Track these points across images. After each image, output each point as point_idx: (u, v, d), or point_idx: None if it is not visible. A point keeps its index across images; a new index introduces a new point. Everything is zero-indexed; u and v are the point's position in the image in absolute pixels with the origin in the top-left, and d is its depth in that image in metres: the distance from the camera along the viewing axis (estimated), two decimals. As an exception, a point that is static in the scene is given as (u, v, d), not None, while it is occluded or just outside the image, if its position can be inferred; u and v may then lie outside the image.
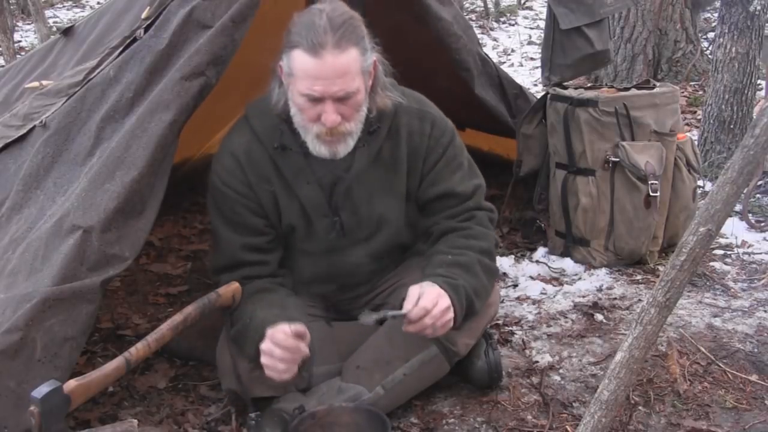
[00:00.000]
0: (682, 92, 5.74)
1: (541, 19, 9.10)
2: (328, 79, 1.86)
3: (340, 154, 2.00)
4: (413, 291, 1.93)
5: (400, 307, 1.93)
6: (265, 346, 1.89)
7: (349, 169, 2.06)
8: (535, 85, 6.13)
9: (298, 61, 1.88)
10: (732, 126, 4.15)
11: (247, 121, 2.10)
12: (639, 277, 3.01)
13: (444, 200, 2.14)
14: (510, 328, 2.64)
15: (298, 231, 2.13)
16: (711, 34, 6.16)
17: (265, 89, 2.06)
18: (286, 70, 1.94)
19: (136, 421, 1.73)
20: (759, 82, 4.35)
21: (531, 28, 9.07)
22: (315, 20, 1.87)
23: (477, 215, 2.15)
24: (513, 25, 9.42)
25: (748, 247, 3.25)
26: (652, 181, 2.93)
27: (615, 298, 2.83)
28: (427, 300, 1.91)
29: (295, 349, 1.88)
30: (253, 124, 2.08)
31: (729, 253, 3.20)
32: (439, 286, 1.95)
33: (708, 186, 3.76)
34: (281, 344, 1.88)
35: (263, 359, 1.90)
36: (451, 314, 1.94)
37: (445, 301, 1.93)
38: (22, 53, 7.02)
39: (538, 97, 3.32)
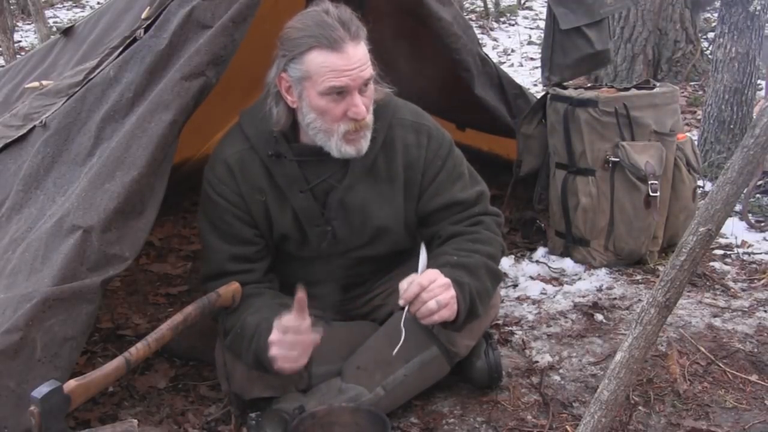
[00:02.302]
0: (682, 92, 5.74)
1: (541, 19, 9.10)
2: (354, 70, 1.87)
3: (364, 150, 1.99)
4: (409, 277, 1.92)
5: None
6: (275, 336, 1.88)
7: (342, 179, 2.05)
8: (535, 85, 6.12)
9: (317, 62, 1.87)
10: (732, 126, 4.15)
11: (241, 129, 2.08)
12: (639, 277, 3.01)
13: (448, 209, 2.13)
14: (510, 328, 2.64)
15: (292, 239, 2.12)
16: (711, 34, 6.15)
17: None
18: (296, 77, 1.91)
19: (136, 421, 1.74)
20: (759, 82, 4.35)
21: (531, 28, 9.07)
22: (324, 19, 1.88)
23: (485, 220, 2.14)
24: (513, 25, 9.42)
25: (748, 247, 3.25)
26: (652, 181, 2.93)
27: (615, 298, 2.83)
28: (423, 278, 1.90)
29: (306, 331, 1.86)
30: (247, 132, 2.07)
31: (729, 253, 3.20)
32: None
33: (708, 186, 3.76)
34: (291, 328, 1.86)
35: (275, 351, 1.88)
36: (452, 292, 1.92)
37: (443, 279, 1.91)
38: (22, 53, 7.02)
39: (538, 97, 3.32)
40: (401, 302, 1.91)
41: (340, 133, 1.94)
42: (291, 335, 1.87)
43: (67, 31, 2.65)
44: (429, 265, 2.00)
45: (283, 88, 1.95)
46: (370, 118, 1.97)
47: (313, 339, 1.90)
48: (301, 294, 1.83)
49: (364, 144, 1.98)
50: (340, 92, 1.89)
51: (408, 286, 1.90)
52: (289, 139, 2.03)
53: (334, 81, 1.87)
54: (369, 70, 1.92)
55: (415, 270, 1.94)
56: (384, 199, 2.12)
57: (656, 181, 2.94)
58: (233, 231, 2.07)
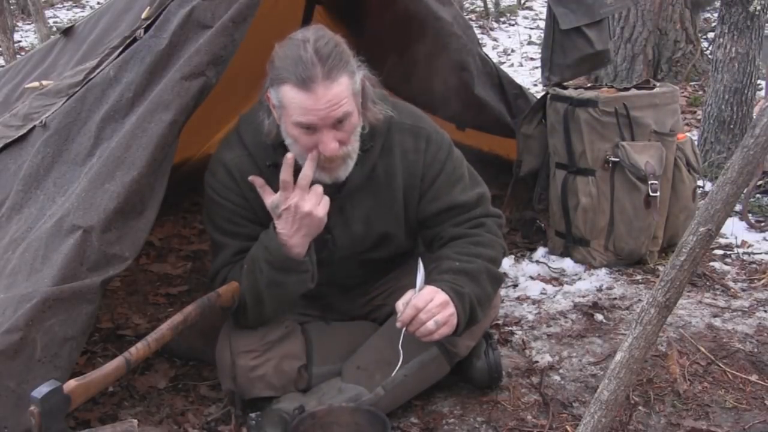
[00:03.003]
0: (682, 92, 5.74)
1: (541, 19, 9.11)
2: (322, 110, 1.83)
3: (342, 177, 1.98)
4: (405, 296, 1.93)
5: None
6: (280, 199, 1.92)
7: (342, 188, 2.04)
8: (535, 85, 6.13)
9: (288, 96, 1.85)
10: (732, 126, 4.16)
11: (240, 137, 2.07)
12: (639, 277, 3.01)
13: (448, 212, 2.12)
14: (510, 328, 2.64)
15: None
16: (711, 34, 6.15)
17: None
18: (275, 103, 1.91)
19: (136, 421, 1.73)
20: (759, 82, 4.35)
21: (531, 28, 9.08)
22: (301, 53, 1.82)
23: (486, 223, 2.13)
24: (513, 25, 9.43)
25: (748, 247, 3.25)
26: (652, 181, 2.93)
27: (615, 298, 2.83)
28: (419, 299, 1.91)
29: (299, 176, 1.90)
30: (245, 140, 2.06)
31: (729, 253, 3.20)
32: (444, 291, 1.94)
33: (708, 186, 3.76)
34: (288, 188, 1.90)
35: (291, 219, 1.92)
36: (451, 309, 1.93)
37: (441, 296, 1.92)
38: (22, 53, 7.02)
39: (538, 97, 3.32)
40: (398, 324, 1.93)
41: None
42: (299, 190, 1.91)
43: (67, 31, 2.65)
44: (431, 269, 2.00)
45: (270, 104, 1.95)
46: (349, 148, 1.93)
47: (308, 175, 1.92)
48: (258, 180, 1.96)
49: (342, 172, 1.97)
50: (310, 127, 1.87)
51: (404, 308, 1.91)
52: (287, 149, 2.02)
53: (302, 118, 1.85)
54: (343, 108, 1.85)
55: (413, 284, 1.95)
56: (384, 205, 2.11)
57: (656, 181, 2.94)
58: (240, 230, 2.07)
